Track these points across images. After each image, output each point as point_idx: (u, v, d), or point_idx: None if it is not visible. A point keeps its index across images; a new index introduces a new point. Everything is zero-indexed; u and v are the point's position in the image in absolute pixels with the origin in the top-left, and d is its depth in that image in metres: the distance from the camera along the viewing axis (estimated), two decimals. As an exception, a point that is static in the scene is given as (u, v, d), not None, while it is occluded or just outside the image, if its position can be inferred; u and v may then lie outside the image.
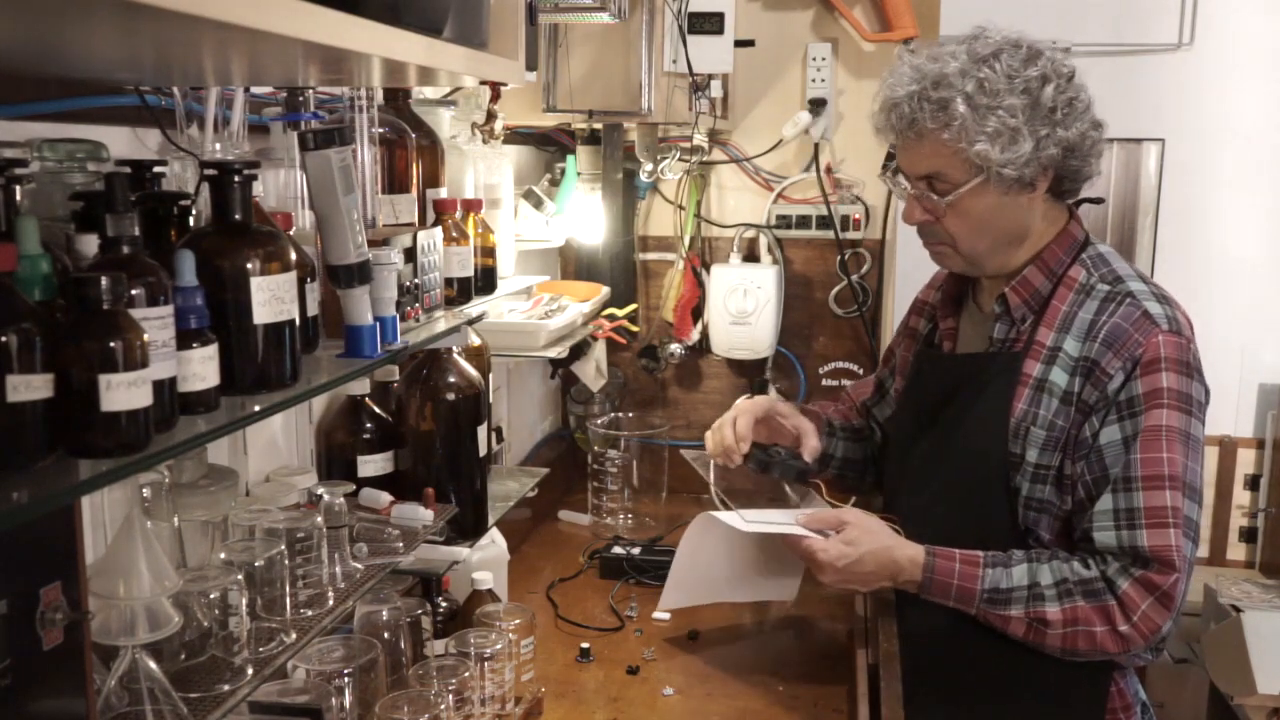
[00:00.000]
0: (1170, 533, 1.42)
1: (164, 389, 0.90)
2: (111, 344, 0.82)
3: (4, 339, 0.76)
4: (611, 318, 2.54)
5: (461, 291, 1.62)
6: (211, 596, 1.14)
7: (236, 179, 1.05)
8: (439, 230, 1.53)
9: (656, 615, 2.08)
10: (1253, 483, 3.53)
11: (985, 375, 1.56)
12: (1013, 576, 1.48)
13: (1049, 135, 1.44)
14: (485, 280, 1.72)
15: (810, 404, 2.01)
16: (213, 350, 0.98)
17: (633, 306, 2.74)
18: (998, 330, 1.57)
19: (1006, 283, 1.56)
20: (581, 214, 2.63)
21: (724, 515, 1.75)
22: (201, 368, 0.96)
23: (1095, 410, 1.46)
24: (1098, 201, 1.71)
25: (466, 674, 1.51)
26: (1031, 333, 1.53)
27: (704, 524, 1.82)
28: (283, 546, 1.27)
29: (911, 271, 2.35)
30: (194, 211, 1.11)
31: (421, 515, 1.52)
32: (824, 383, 2.79)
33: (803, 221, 2.75)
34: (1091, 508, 1.46)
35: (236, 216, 1.06)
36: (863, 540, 1.56)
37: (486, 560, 1.90)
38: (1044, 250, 1.55)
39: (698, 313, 2.76)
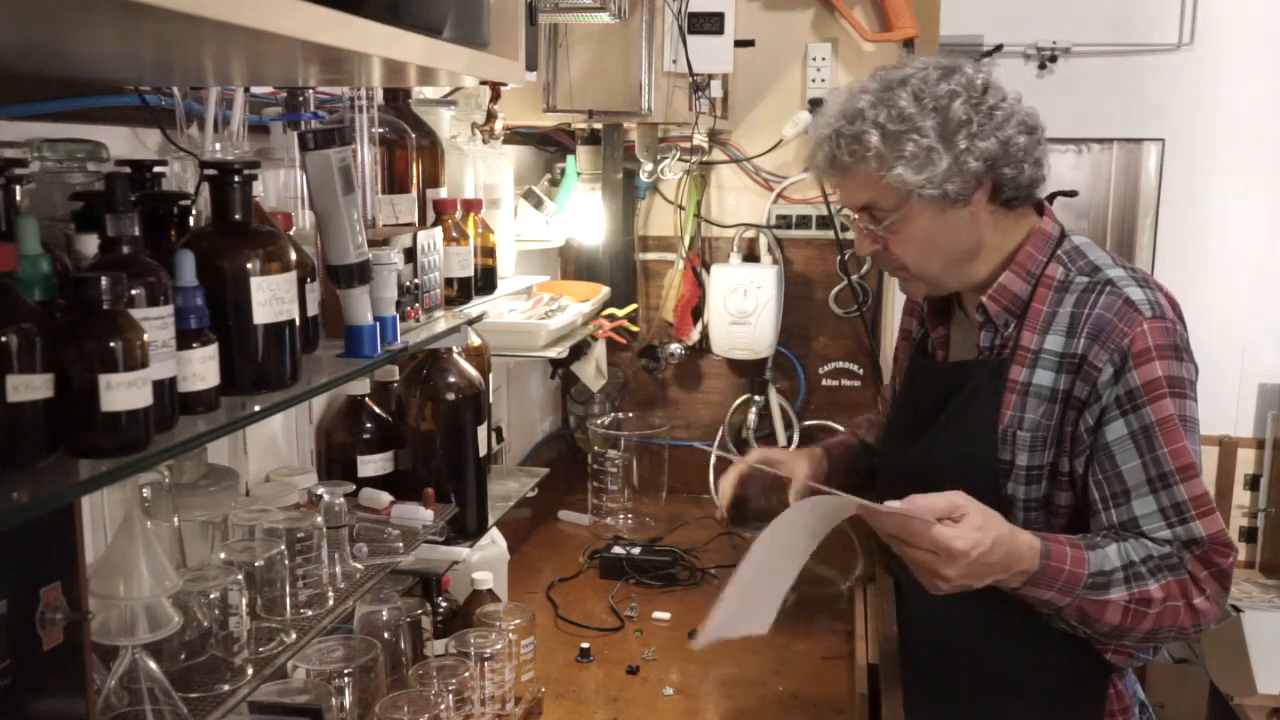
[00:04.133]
0: (1218, 517, 1.44)
1: (164, 389, 0.90)
2: (111, 344, 0.82)
3: (4, 339, 0.76)
4: (611, 318, 2.54)
5: (461, 291, 1.62)
6: (211, 596, 1.14)
7: (236, 179, 1.05)
8: (439, 230, 1.53)
9: (657, 615, 2.08)
10: (1253, 483, 3.53)
11: (973, 383, 1.56)
12: (1110, 558, 1.42)
13: (967, 149, 1.45)
14: (485, 280, 1.72)
15: (855, 420, 1.97)
16: (213, 350, 0.98)
17: (633, 306, 2.74)
18: (983, 338, 1.57)
19: (984, 291, 1.56)
20: (581, 214, 2.63)
21: (834, 494, 1.44)
22: (201, 368, 0.96)
23: (1088, 405, 1.45)
24: (1071, 194, 1.71)
25: (466, 674, 1.51)
26: (1016, 337, 1.53)
27: (803, 513, 1.46)
28: (283, 546, 1.27)
29: (911, 271, 2.36)
30: (194, 211, 1.11)
31: (421, 515, 1.52)
32: (824, 383, 2.79)
33: (803, 221, 2.75)
34: (1119, 509, 1.45)
35: (236, 216, 1.05)
36: (989, 525, 1.37)
37: (486, 560, 1.90)
38: (1018, 254, 1.54)
39: (698, 313, 2.76)
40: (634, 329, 2.79)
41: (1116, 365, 1.43)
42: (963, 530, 1.35)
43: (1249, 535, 3.56)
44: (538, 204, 2.35)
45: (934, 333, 1.69)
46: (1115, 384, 1.43)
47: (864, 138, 1.46)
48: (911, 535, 1.36)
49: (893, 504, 1.37)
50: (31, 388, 0.78)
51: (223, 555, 1.25)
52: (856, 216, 1.56)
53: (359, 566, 1.39)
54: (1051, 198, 1.63)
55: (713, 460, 2.76)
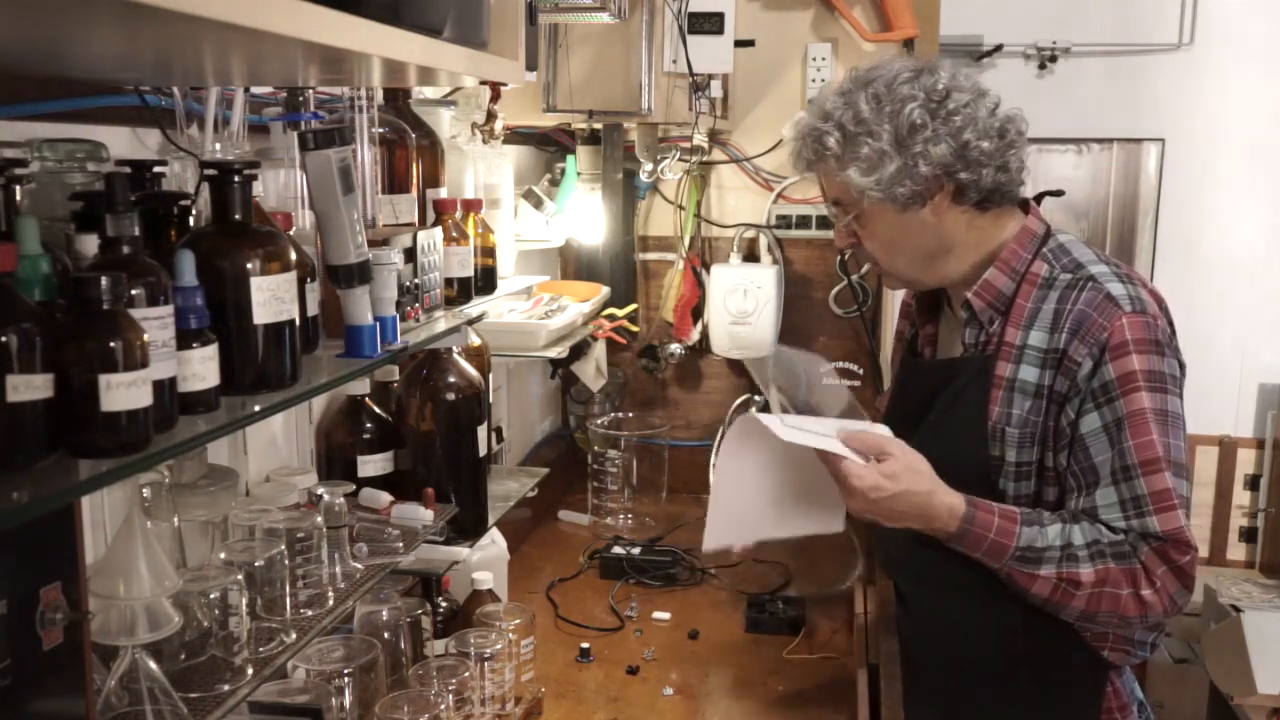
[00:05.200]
0: (1178, 514, 1.44)
1: (164, 389, 0.90)
2: (111, 344, 0.82)
3: (4, 339, 0.76)
4: (611, 318, 2.54)
5: (461, 291, 1.62)
6: (211, 596, 1.14)
7: (236, 179, 1.05)
8: (439, 230, 1.53)
9: (657, 615, 2.08)
10: (1253, 483, 3.53)
11: (960, 380, 1.57)
12: (1047, 536, 1.45)
13: (920, 153, 1.48)
14: (485, 280, 1.72)
15: None
16: (213, 350, 0.98)
17: (633, 306, 2.74)
18: (968, 335, 1.58)
19: (970, 287, 1.56)
20: (581, 214, 2.63)
21: (764, 417, 1.57)
22: (201, 368, 0.96)
23: (1069, 399, 1.46)
24: (1057, 194, 1.72)
25: (466, 674, 1.51)
26: (1001, 334, 1.53)
27: (744, 427, 1.62)
28: (283, 546, 1.27)
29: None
30: (194, 211, 1.11)
31: (421, 515, 1.52)
32: (824, 382, 2.78)
33: (803, 221, 2.75)
34: (1084, 498, 1.45)
35: (236, 216, 1.06)
36: (903, 477, 1.46)
37: (486, 560, 1.90)
38: (1002, 251, 1.55)
39: (698, 313, 2.76)
40: (634, 329, 2.79)
41: (1095, 359, 1.44)
42: (865, 470, 1.45)
43: (1249, 535, 3.56)
44: (538, 204, 2.35)
45: (923, 331, 1.70)
46: (1092, 377, 1.44)
47: (825, 138, 1.52)
48: (827, 463, 1.49)
49: (833, 436, 1.49)
50: (31, 388, 0.78)
51: (223, 555, 1.25)
52: (831, 212, 1.62)
53: (359, 566, 1.39)
54: (1039, 198, 1.64)
55: (712, 460, 2.76)
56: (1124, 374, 1.43)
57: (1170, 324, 1.50)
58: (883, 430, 1.54)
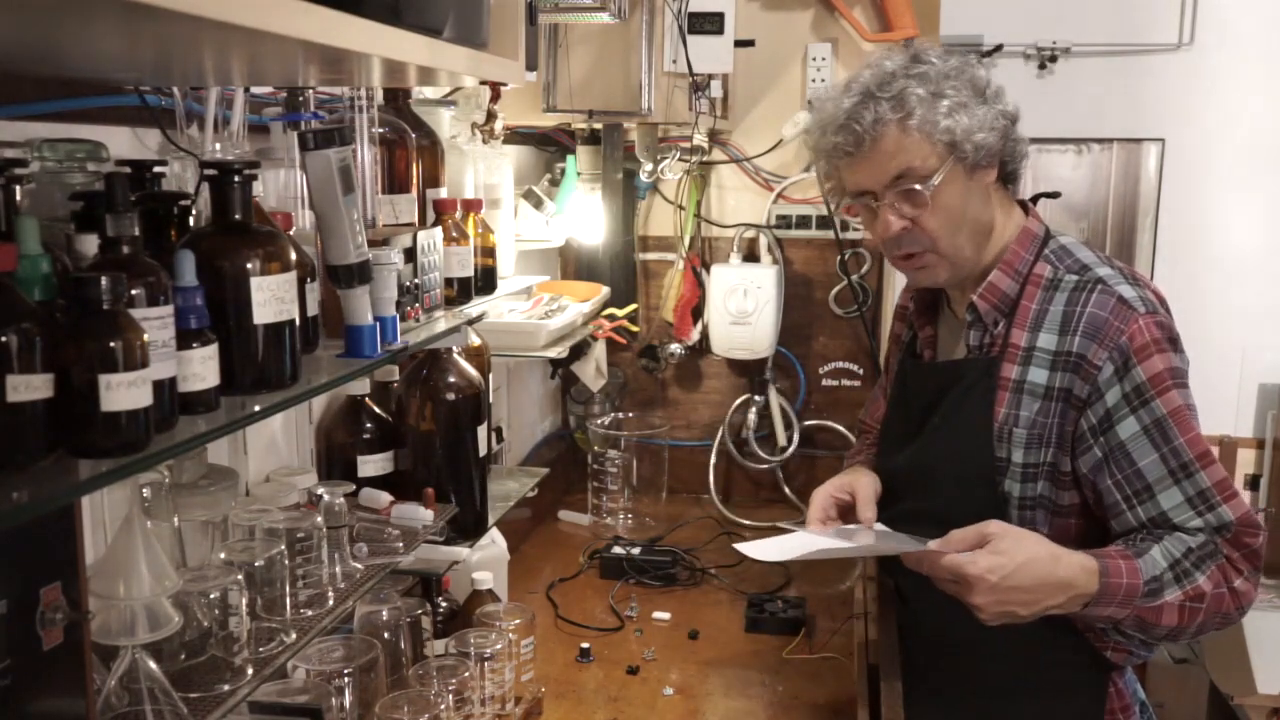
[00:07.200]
0: (1242, 499, 1.45)
1: (164, 389, 0.90)
2: (111, 344, 0.82)
3: (4, 339, 0.76)
4: (611, 318, 2.54)
5: (461, 291, 1.62)
6: (211, 596, 1.14)
7: (236, 179, 1.05)
8: (439, 230, 1.53)
9: (657, 615, 2.08)
10: (1253, 483, 3.52)
11: (964, 382, 1.57)
12: (1157, 561, 1.42)
13: (990, 110, 1.50)
14: (485, 280, 1.72)
15: (854, 455, 1.91)
16: (213, 350, 0.98)
17: (633, 306, 2.74)
18: (972, 337, 1.57)
19: (974, 289, 1.56)
20: (581, 214, 2.63)
21: (831, 539, 1.54)
22: (201, 368, 0.96)
23: (1089, 404, 1.46)
24: (1054, 195, 1.72)
25: (466, 674, 1.51)
26: (1005, 335, 1.53)
27: (798, 542, 1.58)
28: (283, 546, 1.27)
29: (911, 271, 2.35)
30: (194, 211, 1.11)
31: (421, 515, 1.52)
32: (824, 383, 2.79)
33: (803, 221, 2.75)
34: (1146, 505, 1.46)
35: (236, 216, 1.06)
36: (1016, 550, 1.37)
37: (486, 560, 1.91)
38: (1006, 252, 1.55)
39: (698, 313, 2.76)
40: (634, 329, 2.79)
41: (1117, 363, 1.44)
42: (976, 555, 1.38)
43: (1249, 535, 3.55)
44: (538, 204, 2.35)
45: (921, 333, 1.69)
46: (1119, 382, 1.44)
47: (905, 94, 1.46)
48: (935, 569, 1.42)
49: (932, 544, 1.42)
50: (31, 388, 0.78)
51: (223, 555, 1.25)
52: (883, 195, 1.50)
53: (359, 566, 1.39)
54: (1035, 199, 1.64)
55: (712, 460, 2.76)
56: (1154, 375, 1.44)
57: (1173, 321, 1.51)
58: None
